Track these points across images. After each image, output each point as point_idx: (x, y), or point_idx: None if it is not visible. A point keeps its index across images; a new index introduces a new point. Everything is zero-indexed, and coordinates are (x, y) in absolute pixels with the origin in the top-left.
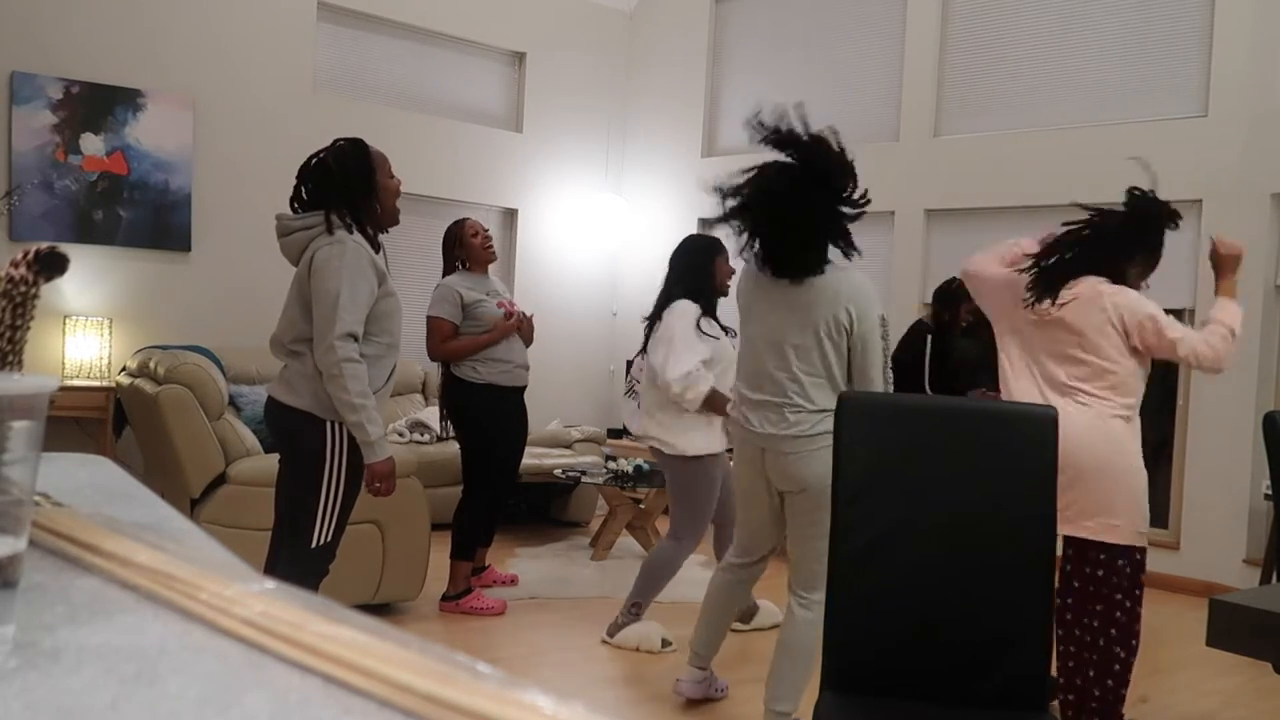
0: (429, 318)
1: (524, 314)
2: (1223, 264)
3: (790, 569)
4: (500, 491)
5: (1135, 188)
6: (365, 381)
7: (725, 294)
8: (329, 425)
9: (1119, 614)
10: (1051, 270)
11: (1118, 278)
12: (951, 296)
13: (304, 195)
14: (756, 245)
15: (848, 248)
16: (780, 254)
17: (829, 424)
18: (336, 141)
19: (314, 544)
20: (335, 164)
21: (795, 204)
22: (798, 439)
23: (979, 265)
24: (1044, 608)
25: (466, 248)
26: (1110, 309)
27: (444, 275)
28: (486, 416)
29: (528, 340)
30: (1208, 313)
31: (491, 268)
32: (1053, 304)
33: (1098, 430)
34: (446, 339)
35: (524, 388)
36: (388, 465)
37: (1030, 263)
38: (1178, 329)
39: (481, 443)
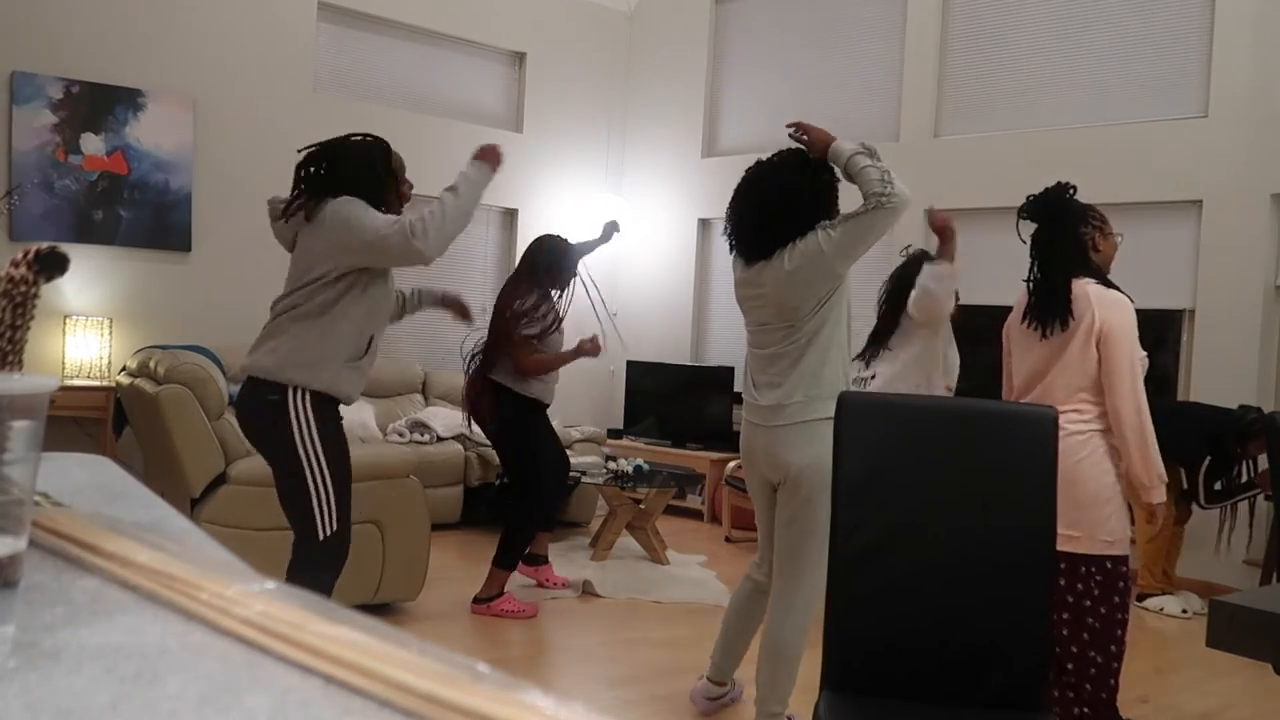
0: (526, 337)
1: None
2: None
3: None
4: (549, 493)
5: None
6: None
7: None
8: (290, 390)
9: (1090, 620)
10: (1045, 298)
11: (1085, 264)
12: (1243, 433)
13: (309, 174)
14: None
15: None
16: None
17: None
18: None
19: (321, 536)
20: (356, 146)
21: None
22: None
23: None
24: (1044, 607)
25: (563, 273)
26: (1097, 323)
27: (533, 280)
28: (536, 428)
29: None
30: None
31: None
32: (1063, 328)
33: (1070, 443)
34: (532, 354)
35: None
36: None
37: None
38: (1125, 373)
39: (538, 451)
